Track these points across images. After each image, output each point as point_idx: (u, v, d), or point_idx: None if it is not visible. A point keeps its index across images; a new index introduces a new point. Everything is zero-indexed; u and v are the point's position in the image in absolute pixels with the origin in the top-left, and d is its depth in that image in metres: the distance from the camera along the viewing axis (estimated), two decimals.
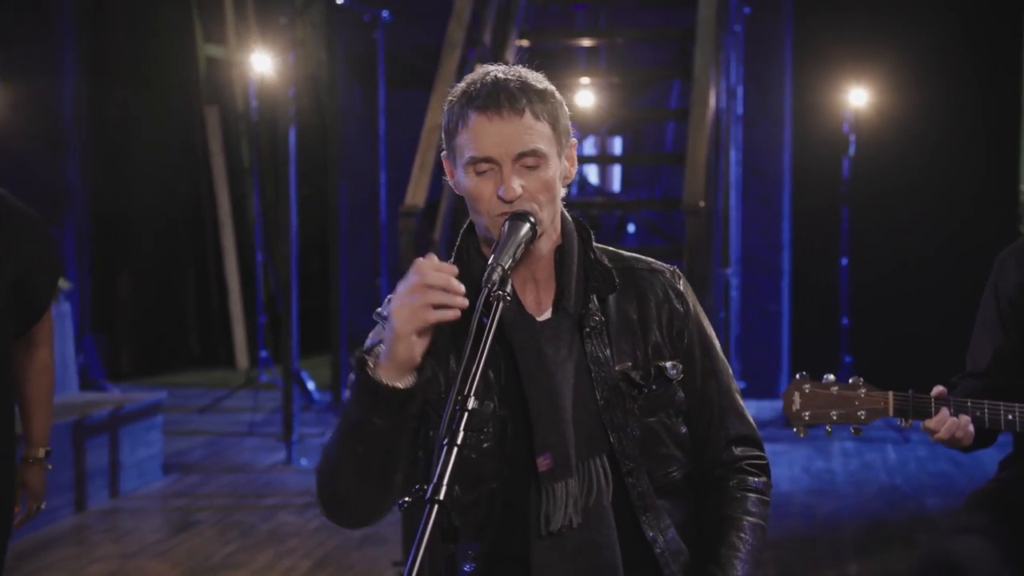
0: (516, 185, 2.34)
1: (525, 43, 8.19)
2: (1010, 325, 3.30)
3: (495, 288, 2.21)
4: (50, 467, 3.58)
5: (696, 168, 5.88)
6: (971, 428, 3.01)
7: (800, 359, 10.43)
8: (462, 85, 2.43)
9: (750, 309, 10.22)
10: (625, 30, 9.48)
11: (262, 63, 9.32)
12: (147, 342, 11.84)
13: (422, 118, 6.56)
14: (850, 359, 9.53)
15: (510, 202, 2.34)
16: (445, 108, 2.44)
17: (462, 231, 2.53)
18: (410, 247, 5.80)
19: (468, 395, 2.05)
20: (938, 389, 3.02)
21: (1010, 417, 3.03)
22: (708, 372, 2.54)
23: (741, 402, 2.60)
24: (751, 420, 2.60)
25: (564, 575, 2.35)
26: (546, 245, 2.45)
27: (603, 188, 10.41)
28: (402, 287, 2.19)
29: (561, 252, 2.46)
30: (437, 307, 2.16)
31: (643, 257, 2.59)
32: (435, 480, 1.94)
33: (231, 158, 12.20)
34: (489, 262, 2.24)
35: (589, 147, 10.38)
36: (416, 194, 5.93)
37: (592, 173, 10.38)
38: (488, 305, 2.19)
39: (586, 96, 9.18)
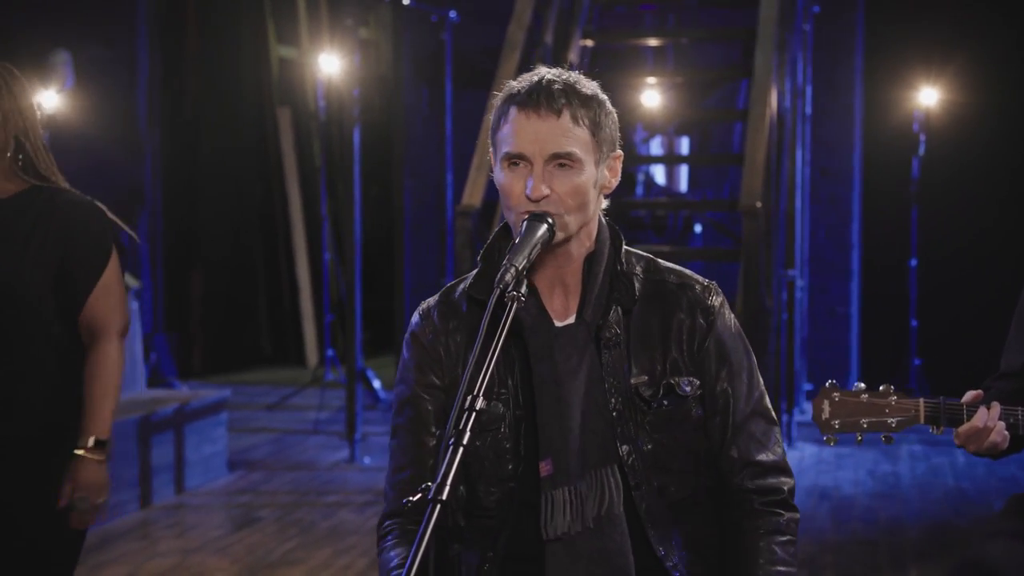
0: (543, 186, 2.34)
1: (589, 43, 8.19)
2: None
3: (509, 289, 2.22)
4: (99, 459, 3.46)
5: (754, 169, 5.85)
6: (1007, 432, 2.96)
7: (869, 362, 10.34)
8: (511, 82, 2.45)
9: (818, 311, 10.14)
10: (688, 30, 9.45)
11: (330, 64, 9.40)
12: (219, 341, 11.98)
13: None
14: (919, 362, 9.42)
15: (536, 201, 2.34)
16: (493, 104, 2.46)
17: (497, 229, 2.54)
18: (466, 247, 5.83)
19: (477, 396, 2.06)
20: (971, 394, 2.98)
21: None
22: (723, 390, 2.49)
23: (766, 425, 2.52)
24: (772, 446, 2.52)
25: None
26: (576, 251, 2.44)
27: (670, 188, 10.37)
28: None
29: (590, 260, 2.46)
30: None
31: (679, 270, 2.55)
32: (439, 480, 1.95)
33: (303, 158, 12.32)
34: (503, 263, 2.25)
35: (656, 147, 10.35)
36: (473, 194, 5.96)
37: (659, 173, 10.34)
38: (503, 305, 2.21)
39: (652, 96, 9.17)
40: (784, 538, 2.47)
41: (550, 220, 2.33)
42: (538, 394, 2.38)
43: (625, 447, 2.40)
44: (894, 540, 6.69)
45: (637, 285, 2.48)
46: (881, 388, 2.90)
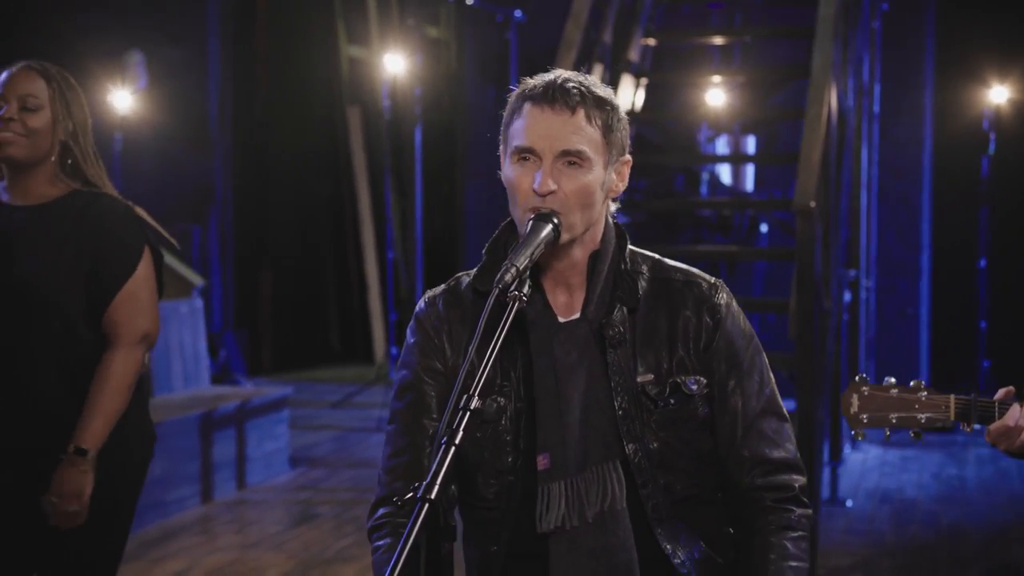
0: (551, 181, 2.34)
1: (651, 42, 8.16)
2: None
3: (511, 289, 2.22)
4: (82, 468, 3.33)
5: (809, 168, 5.80)
6: None
7: (939, 363, 10.21)
8: (527, 79, 2.44)
9: (887, 311, 10.02)
10: (750, 29, 9.39)
11: (394, 63, 9.45)
12: (288, 338, 12.10)
13: None
14: (988, 363, 9.28)
15: (543, 196, 2.34)
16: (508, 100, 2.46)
17: (504, 223, 2.54)
18: None
19: (472, 395, 2.06)
20: (1003, 391, 2.92)
21: None
22: (733, 389, 2.48)
23: (777, 423, 2.51)
24: (783, 443, 2.50)
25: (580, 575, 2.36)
26: (580, 250, 2.44)
27: (736, 188, 10.31)
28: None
29: (594, 259, 2.46)
30: None
31: (685, 268, 2.55)
32: (428, 478, 1.96)
33: (372, 157, 12.40)
34: (504, 262, 2.25)
35: (722, 146, 10.29)
36: None
37: (725, 173, 10.28)
38: (503, 305, 2.21)
39: (716, 95, 9.12)
40: (795, 534, 2.46)
41: (556, 220, 2.33)
42: (537, 387, 2.39)
43: (631, 445, 2.39)
44: (955, 545, 6.59)
45: (643, 284, 2.48)
46: (912, 384, 2.86)
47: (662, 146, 9.86)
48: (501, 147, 2.47)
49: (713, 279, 2.54)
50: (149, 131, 10.55)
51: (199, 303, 8.22)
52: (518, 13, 9.67)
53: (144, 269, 3.50)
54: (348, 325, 12.61)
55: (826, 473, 7.40)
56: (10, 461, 3.44)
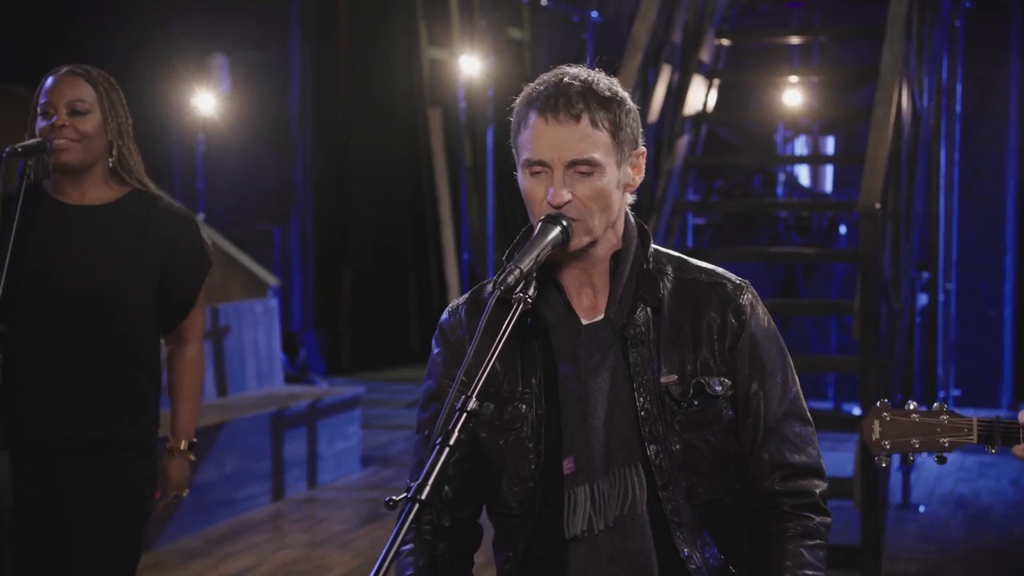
0: (565, 192, 2.32)
1: (725, 42, 8.11)
2: None
3: (516, 291, 2.22)
4: (192, 458, 3.70)
5: (875, 169, 5.72)
6: None
7: (1022, 366, 10.02)
8: (532, 84, 2.42)
9: (968, 314, 9.86)
10: (825, 28, 9.29)
11: (470, 65, 9.48)
12: (367, 338, 12.19)
13: None
14: None
15: (559, 207, 2.34)
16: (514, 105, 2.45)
17: (524, 230, 2.54)
18: None
19: (469, 397, 2.06)
20: None
21: None
22: (756, 391, 2.44)
23: (800, 427, 2.48)
24: (806, 447, 2.47)
25: None
26: (603, 250, 2.42)
27: (814, 188, 10.20)
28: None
29: (616, 259, 2.44)
30: None
31: (711, 268, 2.51)
32: (420, 479, 1.96)
33: (452, 159, 12.45)
34: (508, 264, 2.24)
35: (800, 146, 10.19)
36: None
37: (803, 173, 10.18)
38: (508, 305, 2.21)
39: (793, 95, 9.05)
40: (813, 542, 2.42)
41: (564, 223, 2.31)
42: (561, 392, 2.38)
43: (653, 447, 2.37)
44: None
45: (667, 284, 2.45)
46: (934, 406, 2.81)
47: (738, 146, 9.80)
48: (514, 154, 2.45)
49: (739, 280, 2.50)
50: (232, 133, 10.71)
51: (274, 303, 8.31)
52: (594, 14, 9.65)
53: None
54: (428, 326, 12.66)
55: (897, 478, 7.31)
56: (69, 457, 3.52)
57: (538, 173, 2.36)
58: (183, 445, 3.66)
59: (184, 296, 3.62)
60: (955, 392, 9.24)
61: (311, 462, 7.63)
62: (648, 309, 2.42)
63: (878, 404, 2.81)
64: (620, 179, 2.38)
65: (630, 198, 2.47)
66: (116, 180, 3.58)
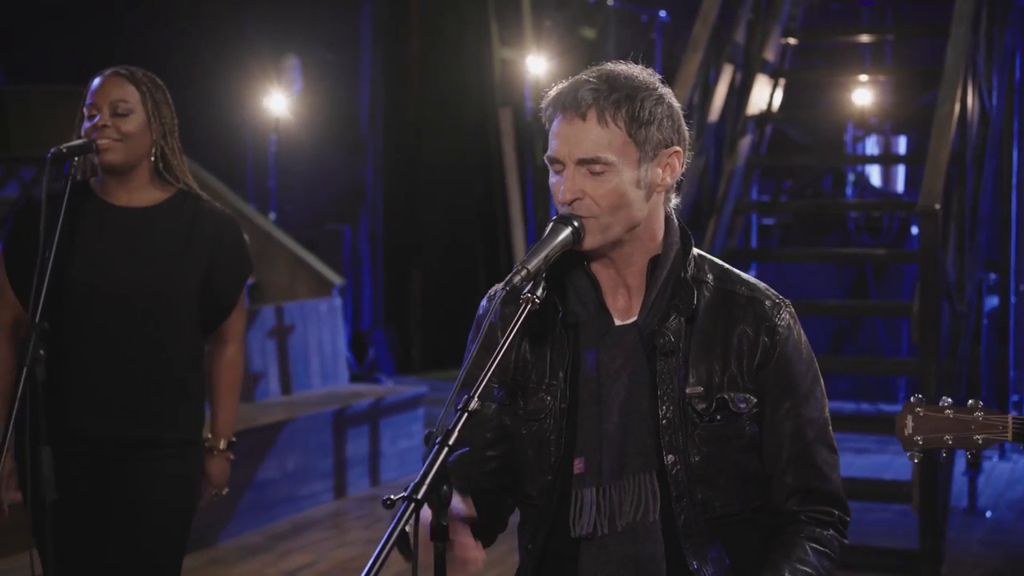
0: (572, 191, 2.31)
1: (792, 41, 8.04)
2: None
3: (525, 291, 2.22)
4: (231, 457, 3.74)
5: (936, 170, 5.65)
6: None
7: None
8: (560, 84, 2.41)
9: None
10: (894, 27, 9.18)
11: (537, 65, 9.49)
12: (437, 337, 12.22)
13: None
14: None
15: (569, 204, 2.32)
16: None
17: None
18: None
19: (472, 396, 2.06)
20: None
21: None
22: (787, 412, 2.40)
23: (828, 455, 2.43)
24: (831, 475, 2.43)
25: None
26: (638, 252, 2.39)
27: (885, 189, 10.08)
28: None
29: (654, 263, 2.40)
30: None
31: (753, 282, 2.46)
32: (417, 479, 1.96)
33: (523, 159, 12.45)
34: (516, 265, 2.24)
35: (872, 146, 10.08)
36: None
37: (875, 174, 10.06)
38: (516, 306, 2.21)
39: (863, 94, 8.95)
40: (822, 549, 2.38)
41: (576, 223, 2.30)
42: (581, 390, 2.38)
43: (671, 456, 2.34)
44: None
45: (706, 293, 2.41)
46: (969, 403, 2.77)
47: (807, 146, 9.71)
48: None
49: (779, 298, 2.45)
50: (303, 133, 10.80)
51: (338, 302, 8.37)
52: (663, 13, 9.63)
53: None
54: None
55: (963, 483, 7.20)
56: (111, 455, 3.57)
57: (558, 171, 2.36)
58: (222, 444, 3.70)
59: (226, 297, 3.66)
60: (1014, 398, 9.07)
61: (373, 460, 7.67)
62: (681, 318, 2.39)
63: (911, 400, 2.78)
64: (642, 179, 2.34)
65: (674, 200, 2.43)
66: (161, 181, 3.62)
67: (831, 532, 2.41)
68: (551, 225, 2.30)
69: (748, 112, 7.35)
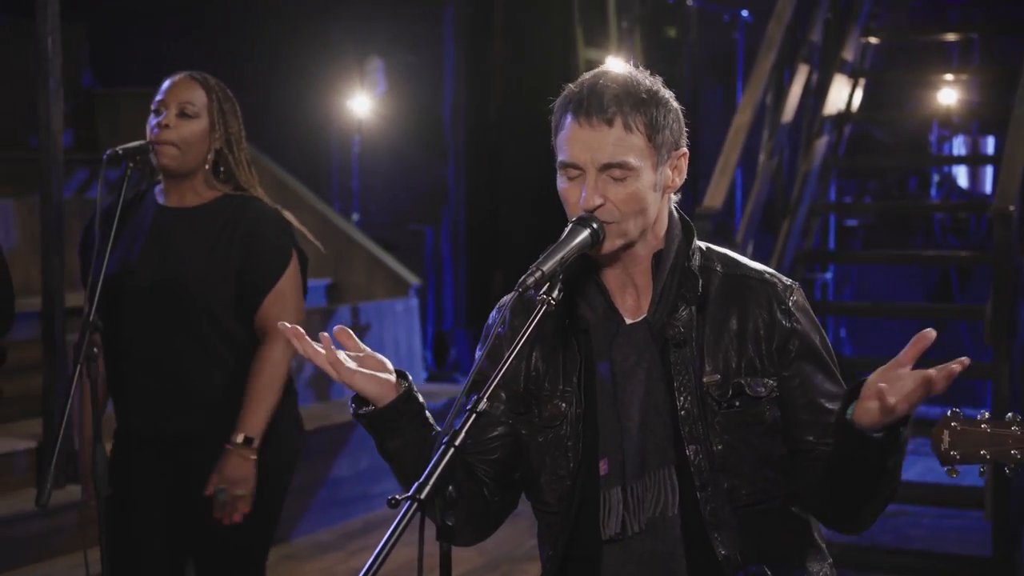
0: (597, 197, 2.31)
1: (872, 40, 7.94)
2: None
3: (539, 293, 2.21)
4: (252, 456, 3.57)
5: (1011, 171, 5.55)
6: None
7: None
8: (570, 85, 2.43)
9: None
10: (976, 25, 9.02)
11: (616, 66, 9.47)
12: None
13: None
14: None
15: (591, 211, 2.32)
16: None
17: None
18: None
19: (481, 397, 2.05)
20: None
21: None
22: (822, 392, 2.39)
23: None
24: None
25: None
26: (644, 251, 2.39)
27: (973, 190, 9.91)
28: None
29: (658, 258, 2.41)
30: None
31: (761, 267, 2.46)
32: (422, 479, 1.97)
33: None
34: (531, 266, 2.24)
35: (958, 147, 9.91)
36: (715, 195, 5.89)
37: (961, 175, 9.90)
38: (525, 317, 2.21)
39: (948, 94, 8.82)
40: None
41: (595, 225, 2.30)
42: (597, 393, 2.37)
43: (692, 447, 2.33)
44: None
45: (716, 281, 2.41)
46: (1007, 417, 2.72)
47: (891, 146, 9.58)
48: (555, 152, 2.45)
49: (789, 281, 2.46)
50: (386, 134, 10.88)
51: (414, 302, 8.41)
52: (745, 13, 9.56)
53: (292, 270, 3.68)
54: None
55: None
56: (168, 451, 3.63)
57: (573, 177, 2.36)
58: (239, 439, 3.56)
59: (257, 289, 3.62)
60: None
61: None
62: (692, 308, 2.38)
63: (948, 414, 2.73)
64: (658, 182, 2.36)
65: (674, 197, 2.45)
66: (217, 185, 3.66)
67: None
68: (569, 227, 2.31)
69: (825, 112, 7.27)
